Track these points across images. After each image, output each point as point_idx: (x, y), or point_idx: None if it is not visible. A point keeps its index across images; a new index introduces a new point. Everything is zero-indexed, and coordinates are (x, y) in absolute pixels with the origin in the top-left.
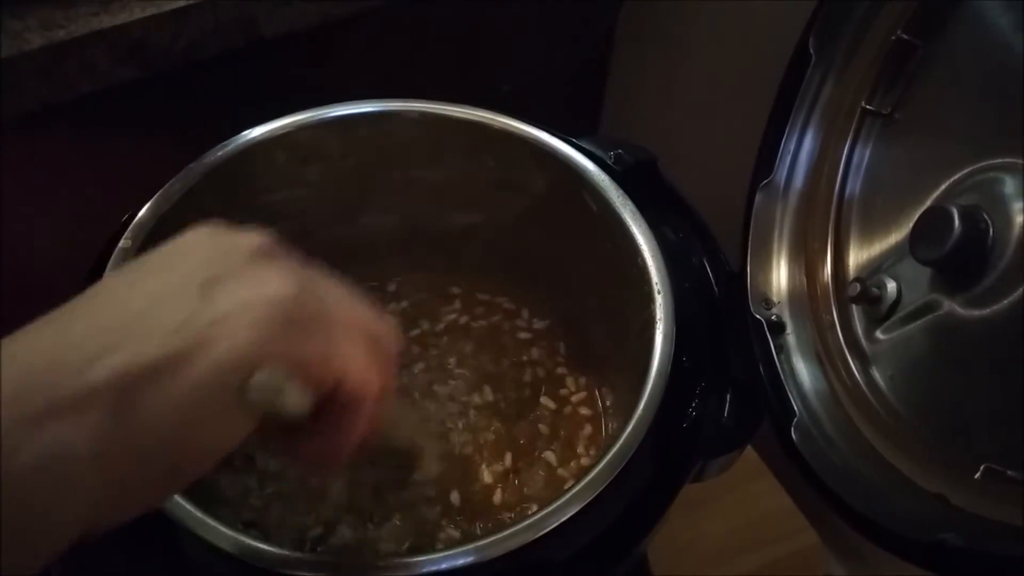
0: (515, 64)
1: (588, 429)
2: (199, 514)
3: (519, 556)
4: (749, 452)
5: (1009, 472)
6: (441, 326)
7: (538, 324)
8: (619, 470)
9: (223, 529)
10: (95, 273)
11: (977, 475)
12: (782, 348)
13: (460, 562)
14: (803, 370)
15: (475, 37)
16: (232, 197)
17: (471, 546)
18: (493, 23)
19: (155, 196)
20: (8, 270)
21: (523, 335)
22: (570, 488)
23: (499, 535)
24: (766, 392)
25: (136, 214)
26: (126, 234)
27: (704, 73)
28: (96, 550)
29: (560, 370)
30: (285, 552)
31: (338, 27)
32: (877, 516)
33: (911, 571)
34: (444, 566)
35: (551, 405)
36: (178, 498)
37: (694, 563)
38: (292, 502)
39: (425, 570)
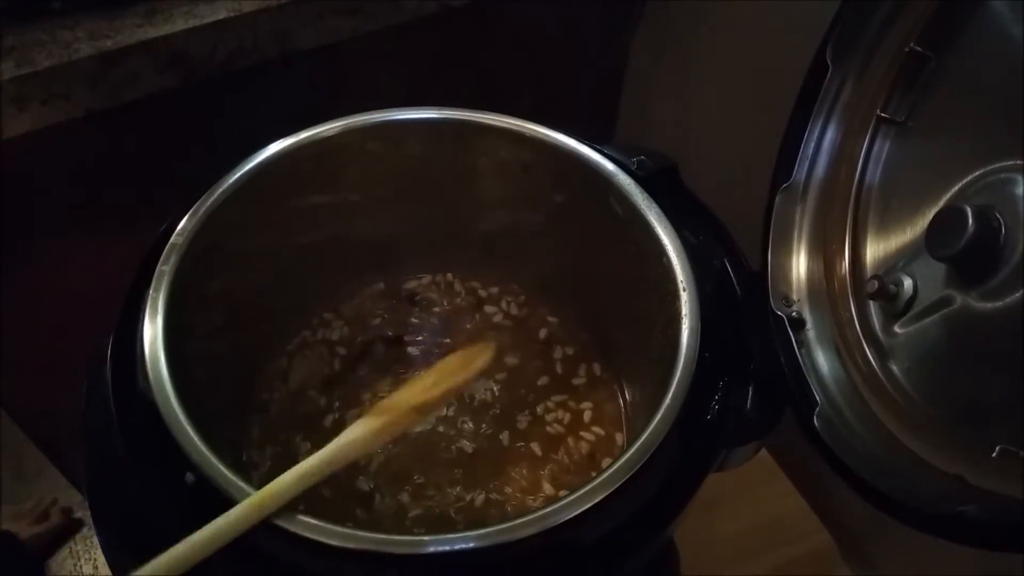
0: (534, 78)
1: (610, 423)
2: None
3: (552, 535)
4: (764, 455)
5: (1022, 453)
6: (468, 325)
7: (562, 323)
8: (647, 457)
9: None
10: (144, 269)
11: (993, 455)
12: (802, 343)
13: (495, 541)
14: (823, 362)
15: (495, 52)
16: (271, 201)
17: (506, 524)
18: (513, 39)
19: (201, 200)
20: (43, 278)
21: (547, 333)
22: (600, 473)
23: (533, 515)
24: (787, 384)
25: (180, 218)
26: (177, 230)
27: (717, 84)
28: (154, 528)
29: (583, 367)
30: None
31: (365, 42)
32: (897, 494)
33: (915, 572)
34: (474, 544)
35: (574, 401)
36: (227, 472)
37: (710, 563)
38: None
39: (457, 547)
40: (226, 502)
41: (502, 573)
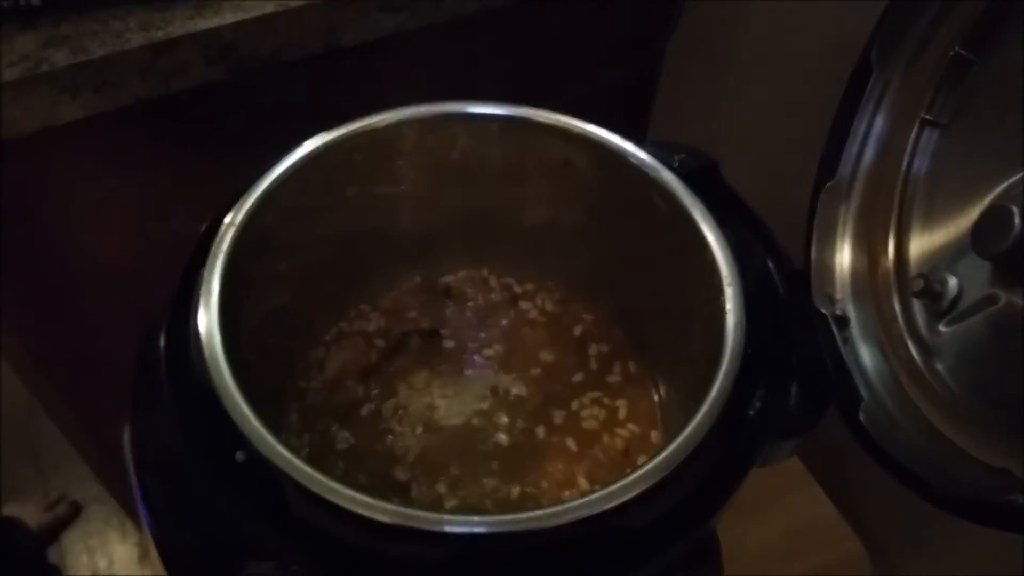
0: (569, 77)
1: (645, 420)
2: (306, 467)
3: (601, 520)
4: (795, 463)
5: None
6: (504, 321)
7: (597, 320)
8: (692, 449)
9: (330, 483)
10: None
11: None
12: (847, 340)
13: (552, 523)
14: (867, 359)
15: (532, 52)
16: (319, 190)
17: (558, 508)
18: (550, 39)
19: (254, 185)
20: (87, 266)
21: (582, 330)
22: (646, 463)
23: (583, 500)
24: (832, 381)
25: (231, 204)
26: (231, 213)
27: (754, 85)
28: (203, 505)
29: (618, 365)
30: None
31: (407, 39)
32: (944, 486)
33: (939, 573)
34: (528, 527)
35: (609, 398)
36: (282, 450)
37: (740, 568)
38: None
39: (508, 529)
40: (276, 479)
41: (550, 555)
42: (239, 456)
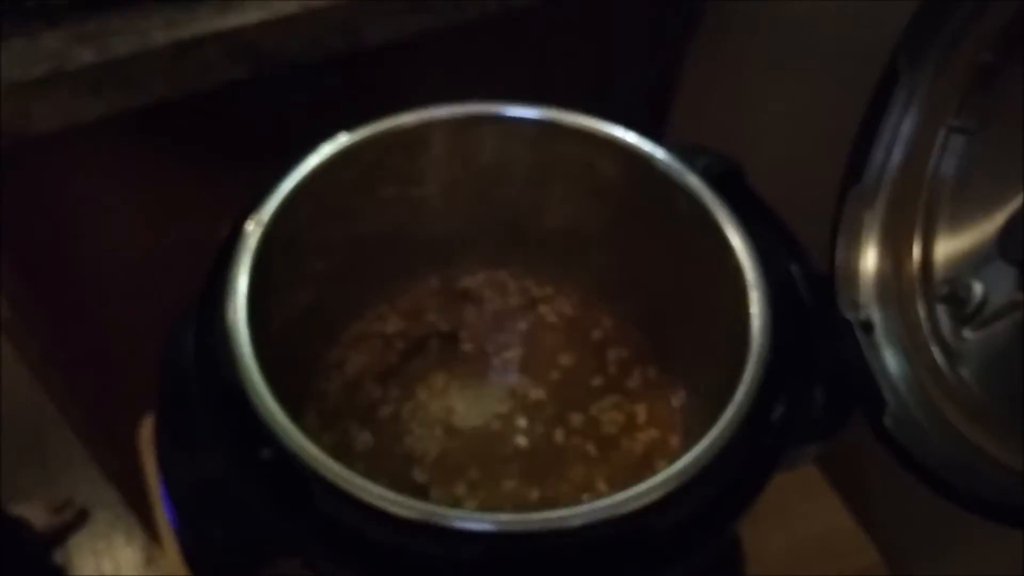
0: (589, 78)
1: (665, 426)
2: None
3: (625, 522)
4: (814, 472)
5: None
6: (522, 324)
7: (616, 325)
8: (717, 451)
9: (358, 479)
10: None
11: None
12: (871, 345)
13: (577, 523)
14: (892, 365)
15: (552, 53)
16: (337, 194)
17: (584, 508)
18: (570, 41)
19: (281, 184)
20: (108, 265)
21: (601, 334)
22: (668, 467)
23: (610, 500)
24: (856, 386)
25: (251, 209)
26: (259, 211)
27: (777, 88)
28: (228, 501)
29: (637, 370)
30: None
31: (429, 40)
32: (969, 489)
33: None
34: (554, 527)
35: (628, 402)
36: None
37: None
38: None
39: (533, 529)
40: (302, 475)
41: (573, 556)
42: (265, 453)
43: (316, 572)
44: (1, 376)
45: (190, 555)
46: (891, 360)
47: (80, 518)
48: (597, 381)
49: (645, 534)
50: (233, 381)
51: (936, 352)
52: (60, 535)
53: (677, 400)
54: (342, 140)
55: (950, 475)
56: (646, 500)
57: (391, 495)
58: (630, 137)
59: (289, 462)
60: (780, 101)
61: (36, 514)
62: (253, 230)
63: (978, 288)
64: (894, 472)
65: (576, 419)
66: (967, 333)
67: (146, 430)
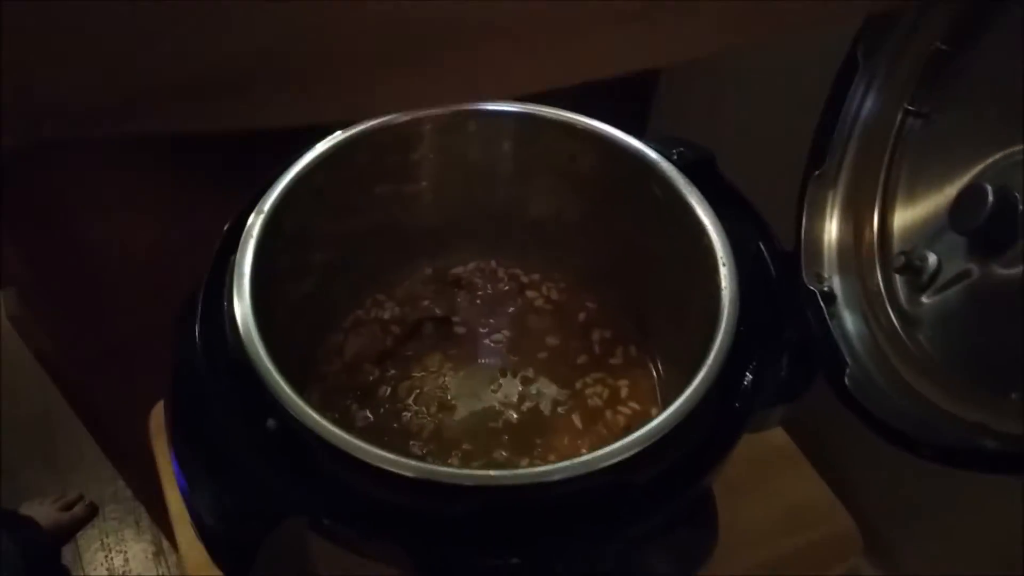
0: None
1: (646, 399)
2: (336, 429)
3: (601, 476)
4: (789, 443)
5: None
6: (511, 308)
7: (600, 308)
8: (688, 412)
9: (358, 442)
10: (227, 244)
11: (1008, 404)
12: (833, 314)
13: (560, 476)
14: (852, 331)
15: None
16: (334, 189)
17: (567, 463)
18: None
19: (279, 179)
20: (117, 262)
21: (586, 317)
22: (644, 427)
23: (592, 455)
24: (820, 351)
25: (253, 201)
26: (261, 203)
27: (750, 83)
28: (236, 469)
29: (620, 349)
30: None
31: None
32: (924, 439)
33: (942, 571)
34: (539, 480)
35: (611, 378)
36: (315, 415)
37: (735, 543)
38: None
39: (520, 483)
40: (307, 441)
41: (558, 509)
42: (270, 424)
43: (321, 531)
44: (9, 377)
45: (201, 523)
46: (851, 326)
47: (91, 513)
48: (582, 359)
49: (622, 488)
50: (239, 357)
51: (894, 318)
52: (71, 531)
53: (658, 375)
54: (337, 136)
55: (906, 428)
56: (620, 457)
57: (390, 456)
58: (608, 130)
59: (294, 431)
60: (755, 94)
61: (44, 512)
62: (256, 218)
63: (932, 258)
64: (863, 438)
65: (562, 394)
66: (923, 299)
67: (155, 417)
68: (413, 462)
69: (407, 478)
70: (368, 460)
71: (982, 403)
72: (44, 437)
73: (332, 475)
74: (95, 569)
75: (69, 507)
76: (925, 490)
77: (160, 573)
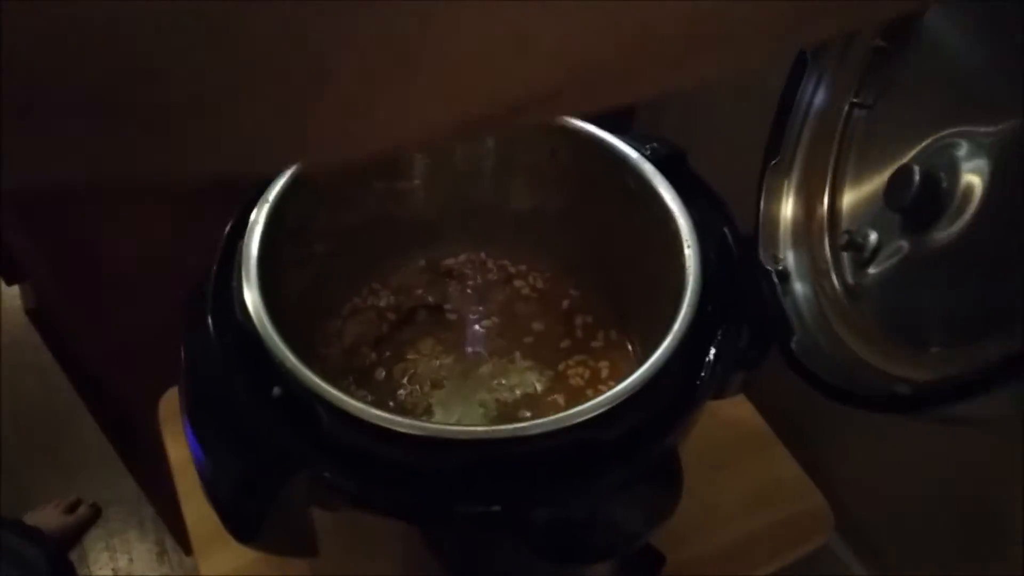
0: None
1: (623, 377)
2: (339, 392)
3: (573, 431)
4: (763, 426)
5: (948, 349)
6: (499, 296)
7: (583, 295)
8: (653, 375)
9: (359, 403)
10: (233, 233)
11: (927, 356)
12: (787, 292)
13: (535, 431)
14: (802, 302)
15: None
16: (336, 186)
17: (544, 419)
18: None
19: (277, 178)
20: (131, 262)
21: (569, 304)
22: (616, 386)
23: (562, 414)
24: (774, 324)
25: (254, 201)
26: (260, 200)
27: (722, 86)
28: (245, 434)
29: (601, 333)
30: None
31: None
32: (859, 393)
33: (925, 571)
34: (520, 434)
35: (593, 360)
36: (318, 379)
37: (713, 520)
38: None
39: (504, 436)
40: (312, 405)
41: (536, 461)
42: (276, 391)
43: (324, 485)
44: (13, 378)
45: (213, 489)
46: (801, 298)
47: (95, 514)
48: (565, 343)
49: (594, 444)
50: (247, 330)
51: (839, 290)
52: (77, 534)
53: (635, 355)
54: None
55: (841, 383)
56: (591, 415)
57: (386, 415)
58: (586, 126)
59: (298, 396)
60: (726, 95)
61: (48, 518)
62: (261, 207)
63: (872, 236)
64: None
65: (547, 376)
66: (866, 272)
67: (165, 405)
68: (405, 419)
69: (399, 433)
70: (365, 418)
71: (907, 358)
72: (48, 438)
73: (333, 434)
74: (100, 569)
75: (72, 509)
76: (888, 462)
77: (164, 573)
